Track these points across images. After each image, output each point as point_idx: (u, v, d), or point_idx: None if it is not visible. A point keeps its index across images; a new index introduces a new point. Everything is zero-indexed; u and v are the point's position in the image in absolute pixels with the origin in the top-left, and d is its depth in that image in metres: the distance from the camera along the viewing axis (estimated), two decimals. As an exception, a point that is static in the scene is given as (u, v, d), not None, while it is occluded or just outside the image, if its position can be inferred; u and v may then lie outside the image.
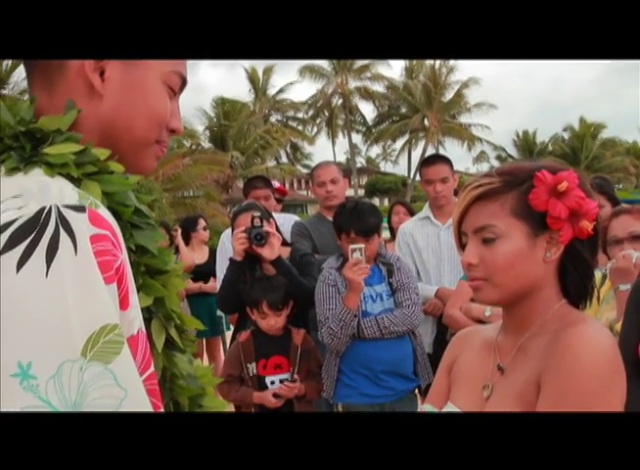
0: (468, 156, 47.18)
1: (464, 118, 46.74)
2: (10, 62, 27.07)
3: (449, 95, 45.65)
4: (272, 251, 3.44)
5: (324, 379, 3.40)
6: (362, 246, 3.19)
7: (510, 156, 49.75)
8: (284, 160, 46.37)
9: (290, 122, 47.49)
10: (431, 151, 43.24)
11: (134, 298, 0.92)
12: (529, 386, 1.27)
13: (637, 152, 53.07)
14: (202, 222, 6.88)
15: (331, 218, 3.66)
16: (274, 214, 4.01)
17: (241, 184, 31.32)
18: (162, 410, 0.97)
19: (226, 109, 36.08)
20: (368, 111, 49.62)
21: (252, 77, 45.46)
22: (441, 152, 42.38)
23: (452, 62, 45.03)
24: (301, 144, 48.76)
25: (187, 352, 1.10)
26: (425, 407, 1.47)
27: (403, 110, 47.37)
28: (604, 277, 3.04)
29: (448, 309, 3.47)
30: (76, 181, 0.93)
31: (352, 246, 3.19)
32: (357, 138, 50.21)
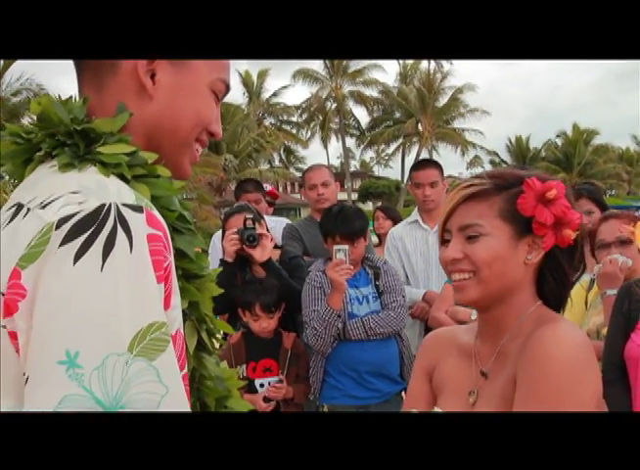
0: (461, 161, 47.34)
1: (458, 124, 46.88)
2: (2, 62, 27.00)
3: (443, 100, 45.76)
4: (263, 252, 3.45)
5: (310, 381, 3.42)
6: (346, 247, 3.23)
7: (503, 161, 49.87)
8: (277, 163, 46.40)
9: (283, 126, 47.50)
10: (424, 155, 43.27)
11: (176, 299, 0.95)
12: (509, 386, 1.29)
13: (630, 158, 53.27)
14: None
15: (322, 221, 3.67)
16: (265, 217, 4.02)
17: (234, 187, 31.18)
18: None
19: (220, 112, 36.01)
20: (362, 115, 49.84)
21: (246, 81, 45.48)
22: (435, 157, 42.48)
23: (447, 68, 45.22)
24: (295, 148, 48.82)
25: (214, 355, 1.13)
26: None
27: (397, 114, 47.48)
28: (592, 282, 3.07)
29: (434, 312, 3.48)
30: (126, 182, 0.96)
31: (336, 247, 3.25)
32: (351, 142, 50.30)
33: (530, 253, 1.36)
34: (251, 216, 3.50)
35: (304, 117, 48.27)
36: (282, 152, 47.65)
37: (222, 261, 3.53)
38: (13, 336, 0.85)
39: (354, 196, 44.07)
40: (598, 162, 47.87)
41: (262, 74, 45.65)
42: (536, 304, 1.39)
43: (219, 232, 4.27)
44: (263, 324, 3.36)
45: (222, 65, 1.15)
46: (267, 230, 3.62)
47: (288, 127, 47.80)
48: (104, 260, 0.83)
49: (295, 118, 48.40)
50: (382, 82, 46.46)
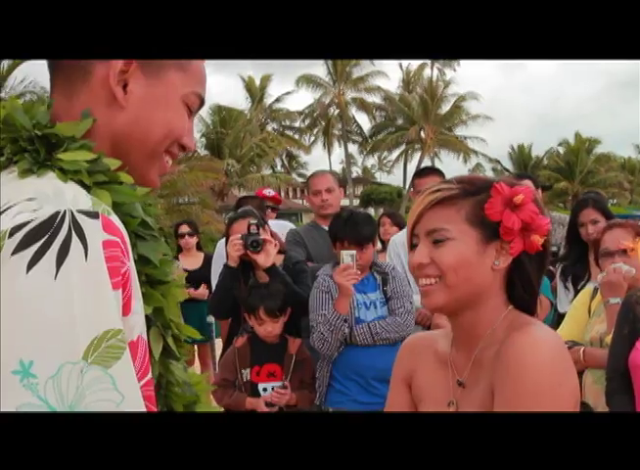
0: (463, 168, 47.22)
1: (460, 131, 46.89)
2: (5, 65, 27.04)
3: (446, 108, 45.76)
4: (267, 258, 3.46)
5: (316, 384, 3.43)
6: (354, 252, 3.24)
7: (505, 169, 49.80)
8: (280, 168, 46.36)
9: (286, 131, 47.47)
10: (426, 162, 43.29)
11: (137, 305, 0.94)
12: (487, 396, 1.29)
13: (632, 167, 53.21)
14: (183, 228, 6.75)
15: (325, 227, 3.69)
16: (269, 222, 4.03)
17: (236, 192, 31.32)
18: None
19: (223, 116, 36.08)
20: (365, 121, 49.68)
21: (250, 86, 45.47)
22: (437, 164, 42.51)
23: (450, 75, 45.24)
24: (297, 153, 48.76)
25: (181, 360, 1.11)
26: None
27: (400, 121, 47.43)
28: (595, 290, 3.08)
29: (436, 319, 3.49)
30: (87, 189, 0.95)
31: (344, 251, 3.25)
32: (353, 148, 50.26)
33: (498, 258, 1.35)
34: (255, 222, 3.52)
35: (307, 122, 48.28)
36: (284, 157, 47.61)
37: (226, 266, 3.55)
38: None
39: (356, 202, 44.00)
40: (600, 170, 47.76)
41: (265, 80, 45.66)
42: (508, 309, 1.39)
43: (223, 240, 4.28)
44: (268, 328, 3.38)
45: (198, 78, 1.15)
46: (271, 235, 3.63)
47: (290, 133, 47.78)
48: (58, 268, 0.83)
49: (297, 124, 48.45)
50: (384, 89, 46.50)
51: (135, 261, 0.97)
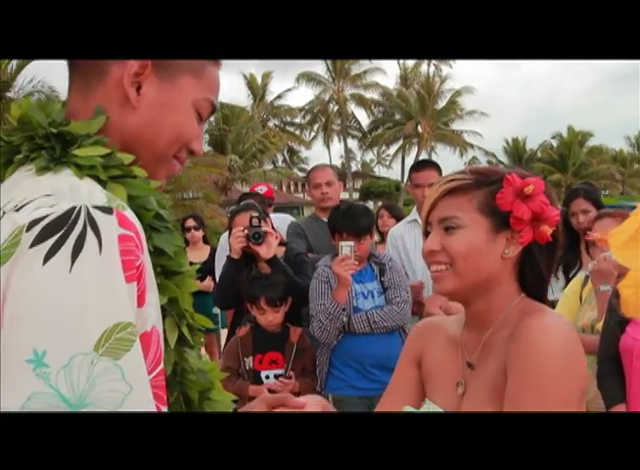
0: (460, 161, 47.23)
1: (456, 126, 46.84)
2: (14, 65, 27.00)
3: (442, 103, 45.71)
4: (269, 250, 3.48)
5: (317, 372, 3.45)
6: (352, 243, 3.27)
7: (500, 162, 49.73)
8: (281, 163, 46.37)
9: (287, 127, 47.46)
10: (424, 156, 43.21)
11: (152, 296, 0.94)
12: (499, 377, 1.30)
13: (623, 159, 53.15)
14: (189, 222, 6.75)
15: (325, 219, 3.70)
16: (271, 215, 4.04)
17: (239, 186, 31.32)
18: (168, 404, 0.99)
19: (225, 113, 36.06)
20: (363, 117, 49.64)
21: (251, 83, 45.40)
22: (434, 157, 42.42)
23: (446, 71, 45.15)
24: (298, 148, 48.77)
25: (196, 348, 1.12)
26: (406, 410, 1.46)
27: (397, 116, 47.38)
28: (586, 278, 3.09)
29: (429, 308, 3.50)
30: (102, 183, 0.96)
31: (342, 242, 3.28)
32: (353, 143, 50.23)
33: (508, 247, 1.35)
34: (257, 215, 3.53)
35: (307, 118, 48.25)
36: (285, 152, 47.61)
37: (229, 258, 3.56)
38: None
39: (355, 195, 44.00)
40: (592, 163, 47.75)
41: (266, 77, 45.61)
42: (520, 296, 1.39)
43: (227, 233, 4.28)
44: (269, 318, 3.39)
45: (211, 86, 1.14)
46: (272, 228, 3.64)
47: (291, 129, 47.77)
48: (72, 262, 0.83)
49: (298, 120, 48.42)
50: (382, 85, 46.44)
51: (150, 253, 0.97)
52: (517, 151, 50.94)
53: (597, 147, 50.60)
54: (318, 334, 3.35)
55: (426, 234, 1.42)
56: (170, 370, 1.04)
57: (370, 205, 38.06)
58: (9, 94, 26.83)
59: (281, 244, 3.68)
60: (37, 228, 0.85)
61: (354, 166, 51.08)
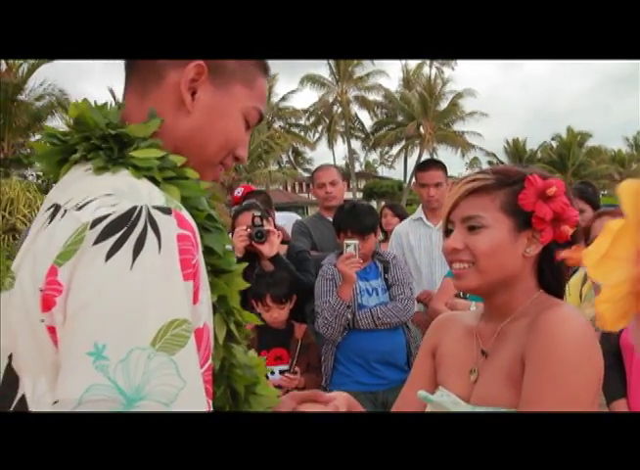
0: (461, 162, 47.31)
1: (457, 127, 46.80)
2: (25, 68, 27.08)
3: (444, 105, 45.70)
4: (271, 247, 3.48)
5: (322, 368, 3.45)
6: (356, 242, 3.28)
7: (501, 162, 49.73)
8: (286, 164, 46.42)
9: (292, 129, 47.50)
10: (426, 157, 43.27)
11: (204, 294, 0.96)
12: (515, 365, 1.31)
13: (622, 160, 53.12)
14: None
15: (330, 218, 3.71)
16: (276, 214, 4.03)
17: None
18: (214, 398, 1.01)
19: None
20: (367, 118, 49.81)
21: (257, 85, 45.42)
22: (436, 158, 42.43)
23: (448, 73, 45.16)
24: (303, 149, 48.83)
25: (242, 344, 1.13)
26: (420, 394, 1.48)
27: (400, 118, 47.40)
28: (585, 276, 3.08)
29: (434, 304, 3.49)
30: (157, 184, 0.97)
31: (347, 241, 3.29)
32: (356, 144, 50.29)
33: (529, 246, 1.37)
34: (259, 214, 3.53)
35: (312, 120, 48.29)
36: (290, 153, 47.68)
37: None
38: (52, 330, 0.88)
39: (359, 195, 44.03)
40: (591, 163, 47.75)
41: (272, 79, 45.64)
42: (538, 292, 1.41)
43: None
44: (274, 314, 3.40)
45: (261, 96, 1.17)
46: (275, 227, 3.64)
47: (296, 130, 47.82)
48: (134, 259, 0.84)
49: (302, 122, 48.45)
50: (385, 87, 46.47)
51: (202, 252, 0.98)
52: (517, 151, 50.93)
53: (596, 148, 50.58)
54: (323, 330, 3.35)
55: (446, 232, 1.44)
56: (219, 365, 1.07)
57: (373, 204, 38.09)
58: (20, 97, 26.92)
59: (283, 242, 3.68)
60: (100, 226, 0.87)
61: (358, 167, 51.14)
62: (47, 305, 0.88)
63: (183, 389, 0.84)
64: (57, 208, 0.96)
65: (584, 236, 3.13)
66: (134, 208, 0.88)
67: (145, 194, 0.92)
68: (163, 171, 1.00)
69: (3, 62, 25.23)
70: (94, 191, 0.92)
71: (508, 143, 52.18)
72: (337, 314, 3.28)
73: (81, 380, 0.81)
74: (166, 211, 0.90)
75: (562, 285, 1.44)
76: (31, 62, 26.54)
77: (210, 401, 0.97)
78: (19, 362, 0.93)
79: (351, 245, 3.27)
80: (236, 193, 4.98)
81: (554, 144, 50.29)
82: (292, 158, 48.43)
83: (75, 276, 0.85)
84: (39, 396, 0.91)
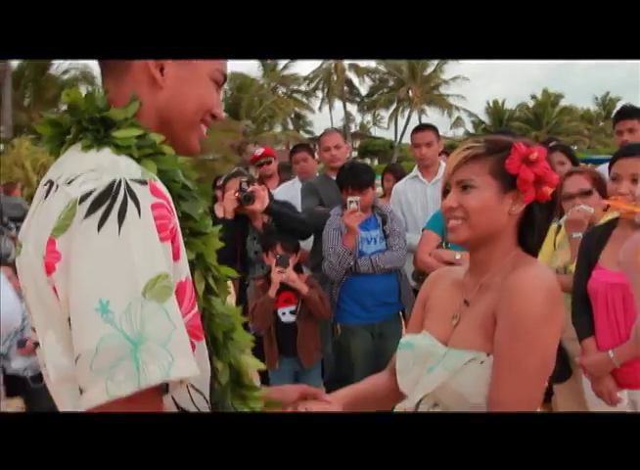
0: (448, 121, 46.74)
1: (442, 90, 46.20)
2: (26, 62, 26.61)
3: (430, 70, 45.03)
4: (262, 203, 3.52)
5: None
6: (357, 198, 3.41)
7: (482, 121, 49.31)
8: (290, 127, 45.96)
9: (294, 95, 46.91)
10: (415, 118, 43.04)
11: (183, 253, 1.00)
12: (487, 317, 1.36)
13: (590, 118, 52.51)
14: (219, 181, 6.64)
15: (334, 178, 3.75)
16: (277, 190, 4.18)
17: (252, 148, 31.18)
18: (204, 341, 1.04)
19: (238, 83, 35.60)
20: (360, 84, 49.11)
21: (261, 56, 44.57)
22: (424, 118, 42.10)
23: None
24: (304, 113, 48.32)
25: (220, 296, 1.15)
26: (402, 341, 1.55)
27: (391, 83, 46.80)
28: (559, 227, 3.13)
29: (420, 255, 3.52)
30: (137, 160, 1.00)
31: (350, 198, 3.42)
32: (352, 108, 49.77)
33: (514, 205, 1.41)
34: (246, 179, 3.60)
35: (312, 86, 47.65)
36: (293, 117, 47.17)
37: (223, 220, 3.53)
38: (55, 290, 0.93)
39: (355, 154, 43.72)
40: (564, 121, 47.27)
41: (275, 50, 44.72)
42: (516, 249, 1.45)
43: None
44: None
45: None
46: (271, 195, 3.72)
47: (297, 96, 47.21)
48: (120, 227, 0.89)
49: (303, 88, 47.78)
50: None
51: (179, 218, 1.01)
52: (497, 111, 50.33)
53: (567, 107, 49.98)
54: (328, 273, 3.52)
55: (444, 193, 1.48)
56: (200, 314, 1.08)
57: (367, 161, 37.86)
58: (48, 71, 26.56)
59: (265, 212, 3.64)
60: (88, 201, 0.90)
61: (353, 128, 50.61)
62: (49, 269, 0.93)
63: (174, 331, 0.89)
64: (51, 183, 0.99)
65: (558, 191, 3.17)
66: (114, 181, 0.91)
67: (123, 168, 0.95)
68: (142, 149, 1.02)
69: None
70: (80, 167, 0.96)
71: (489, 104, 51.57)
72: (340, 259, 3.44)
73: (94, 333, 0.86)
74: (143, 182, 0.93)
75: (539, 243, 1.47)
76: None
77: (198, 343, 1.01)
78: (33, 315, 1.00)
79: (354, 201, 3.39)
80: (256, 152, 4.98)
81: (530, 104, 49.72)
82: (294, 121, 47.93)
83: (73, 246, 0.90)
84: (49, 345, 0.97)
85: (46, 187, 1.00)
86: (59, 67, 27.24)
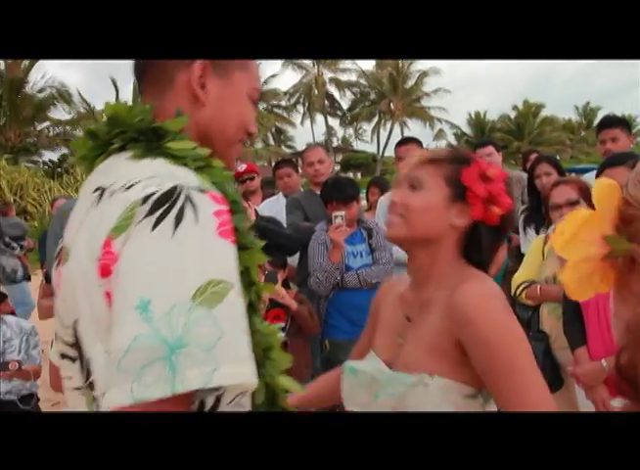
0: (430, 134, 47.08)
1: (424, 102, 46.61)
2: (27, 63, 26.54)
3: (411, 82, 45.46)
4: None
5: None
6: (342, 213, 3.43)
7: (464, 133, 49.73)
8: (272, 142, 46.08)
9: (275, 110, 47.08)
10: (396, 130, 43.36)
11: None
12: (443, 338, 1.30)
13: (572, 128, 53.19)
14: None
15: (319, 193, 3.77)
16: (267, 201, 4.13)
17: (235, 165, 30.97)
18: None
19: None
20: (341, 97, 49.46)
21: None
22: (405, 131, 42.44)
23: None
24: (285, 128, 48.47)
25: (259, 314, 1.14)
26: (345, 365, 1.50)
27: (372, 96, 47.15)
28: (547, 237, 3.15)
29: None
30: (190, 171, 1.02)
31: (335, 213, 3.44)
32: (334, 122, 50.05)
33: (459, 217, 1.37)
34: None
35: (292, 100, 47.88)
36: (274, 132, 47.30)
37: None
38: (108, 295, 0.91)
39: (337, 168, 43.88)
40: (546, 131, 47.81)
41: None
42: (460, 262, 1.40)
43: None
44: (271, 278, 3.44)
45: (255, 75, 1.20)
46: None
47: (278, 111, 47.39)
48: (174, 229, 0.88)
49: (284, 103, 47.99)
50: (357, 70, 46.14)
51: None
52: (479, 123, 50.82)
53: (549, 117, 50.60)
54: (315, 288, 3.52)
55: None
56: None
57: (350, 175, 38.00)
58: (24, 90, 26.42)
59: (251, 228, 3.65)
60: (149, 202, 0.90)
61: (335, 142, 50.86)
62: (104, 272, 0.91)
63: (221, 338, 0.85)
64: (102, 190, 1.00)
65: (545, 203, 3.20)
66: (175, 187, 0.92)
67: (182, 176, 0.96)
68: (195, 161, 1.04)
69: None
70: (138, 174, 0.97)
71: (470, 115, 52.07)
72: (327, 275, 3.45)
73: (129, 331, 0.83)
74: (202, 190, 0.94)
75: (487, 263, 1.42)
76: (32, 56, 26.02)
77: None
78: (81, 327, 0.98)
79: (339, 216, 3.41)
80: (239, 168, 4.96)
81: (512, 115, 50.26)
82: (275, 136, 48.06)
83: (127, 245, 0.89)
84: (96, 358, 0.95)
85: (96, 193, 1.01)
86: (34, 85, 27.12)
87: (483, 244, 1.39)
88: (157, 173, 0.96)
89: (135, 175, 0.97)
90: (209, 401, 0.94)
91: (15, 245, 7.97)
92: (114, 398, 0.82)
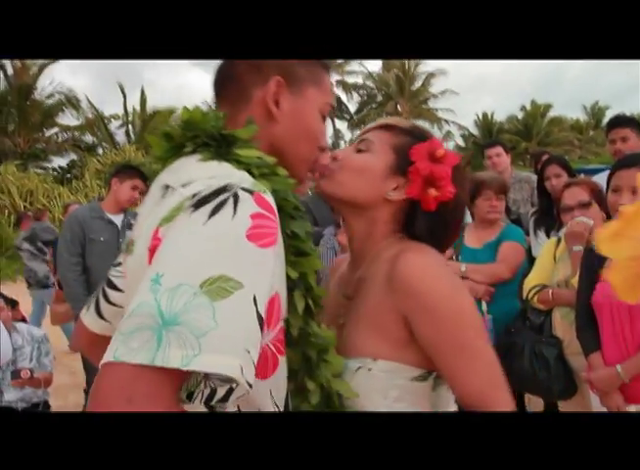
0: (438, 135, 46.61)
1: (431, 104, 46.59)
2: (36, 68, 26.71)
3: (418, 84, 45.50)
4: None
5: None
6: None
7: (472, 134, 49.66)
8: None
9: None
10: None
11: (282, 268, 1.03)
12: (386, 315, 1.25)
13: (580, 127, 53.02)
14: None
15: (327, 196, 3.77)
16: None
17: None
18: (284, 357, 1.05)
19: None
20: (350, 100, 49.57)
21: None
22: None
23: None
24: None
25: (316, 317, 1.17)
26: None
27: (379, 98, 47.20)
28: (558, 240, 3.12)
29: None
30: (253, 177, 1.04)
31: None
32: (341, 125, 50.15)
33: (395, 190, 1.33)
34: None
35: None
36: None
37: None
38: None
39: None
40: (554, 131, 47.68)
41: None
42: (397, 237, 1.35)
43: None
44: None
45: (328, 90, 1.23)
46: None
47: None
48: (208, 218, 0.91)
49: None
50: (364, 72, 46.25)
51: (288, 236, 1.07)
52: (486, 124, 50.74)
53: (557, 117, 50.45)
54: None
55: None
56: (297, 333, 1.11)
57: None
58: (32, 96, 26.58)
59: None
60: (198, 196, 0.95)
61: (343, 145, 50.94)
62: (152, 257, 0.96)
63: (214, 330, 0.85)
64: (167, 187, 1.06)
65: (557, 204, 3.17)
66: (226, 184, 0.95)
67: (238, 177, 0.99)
68: (260, 168, 1.07)
69: (18, 62, 24.92)
70: (200, 174, 1.02)
71: (478, 117, 51.99)
72: None
73: (138, 298, 0.87)
74: (250, 191, 0.95)
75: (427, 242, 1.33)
76: (40, 61, 26.23)
77: (280, 357, 1.03)
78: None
79: None
80: None
81: (519, 115, 50.15)
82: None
83: (168, 229, 0.95)
84: None
85: (162, 190, 1.07)
86: (42, 91, 27.28)
87: (418, 227, 1.33)
88: (216, 174, 1.00)
89: (196, 175, 1.01)
90: (199, 396, 0.90)
91: (46, 250, 8.24)
92: (105, 355, 0.84)
